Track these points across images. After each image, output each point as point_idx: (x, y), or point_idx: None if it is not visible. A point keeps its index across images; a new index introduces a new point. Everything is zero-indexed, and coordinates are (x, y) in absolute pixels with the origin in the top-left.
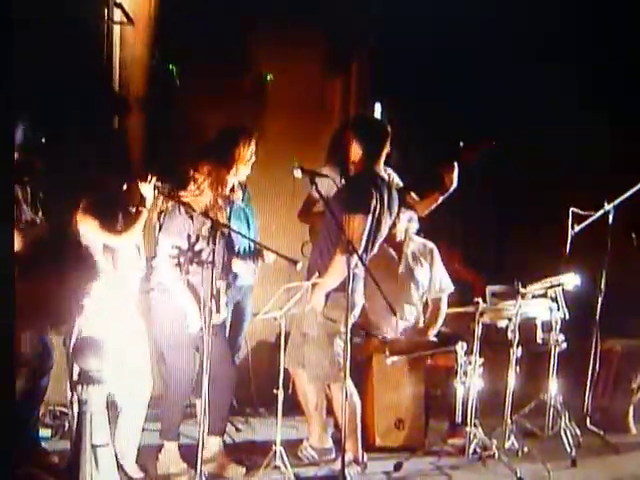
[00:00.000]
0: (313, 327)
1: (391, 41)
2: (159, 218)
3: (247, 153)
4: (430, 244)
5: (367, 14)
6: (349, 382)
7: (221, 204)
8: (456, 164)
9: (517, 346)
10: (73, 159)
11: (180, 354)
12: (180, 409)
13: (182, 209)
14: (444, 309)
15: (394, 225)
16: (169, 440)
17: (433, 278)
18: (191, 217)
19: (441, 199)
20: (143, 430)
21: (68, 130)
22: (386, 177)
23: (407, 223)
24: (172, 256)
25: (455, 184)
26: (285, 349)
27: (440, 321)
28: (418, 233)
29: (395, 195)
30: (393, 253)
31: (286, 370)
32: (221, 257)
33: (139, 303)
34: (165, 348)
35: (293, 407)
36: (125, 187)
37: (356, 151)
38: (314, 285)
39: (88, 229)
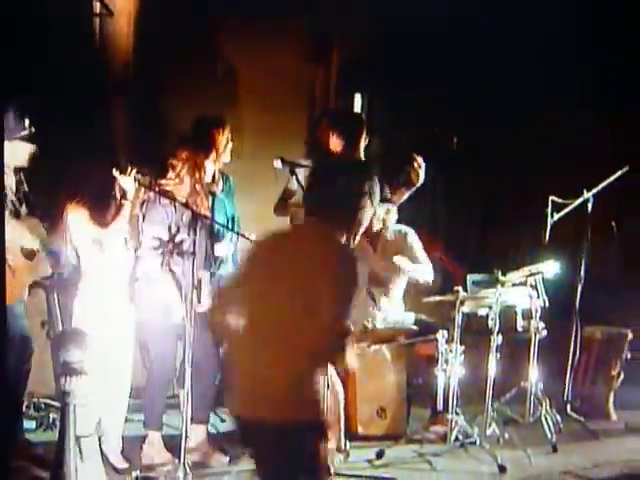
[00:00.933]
0: None
1: (373, 32)
2: (142, 208)
3: (222, 140)
4: (405, 229)
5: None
6: (332, 371)
7: (201, 193)
8: (422, 161)
9: (497, 334)
10: (58, 151)
11: (163, 343)
12: (162, 398)
13: (162, 199)
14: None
15: (372, 216)
16: (152, 429)
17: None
18: (174, 206)
19: (407, 194)
20: (127, 421)
21: (53, 122)
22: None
23: (385, 215)
24: (154, 247)
25: (422, 180)
26: None
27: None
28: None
29: (377, 186)
30: (369, 244)
31: None
32: (203, 247)
33: (126, 293)
34: (149, 337)
35: None
36: (107, 179)
37: (334, 143)
38: None
39: (77, 222)
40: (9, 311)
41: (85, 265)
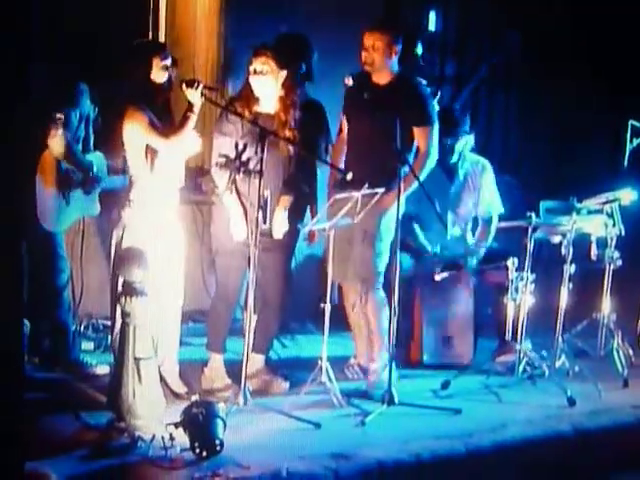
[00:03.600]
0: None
1: None
2: None
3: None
4: (483, 161)
5: None
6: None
7: (277, 112)
8: None
9: (570, 263)
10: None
11: (228, 263)
12: (226, 321)
13: (230, 115)
14: (493, 229)
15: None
16: (214, 352)
17: (482, 198)
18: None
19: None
20: (188, 344)
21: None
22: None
23: (463, 146)
24: (220, 164)
25: None
26: (333, 262)
27: (488, 241)
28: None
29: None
30: (445, 176)
31: (334, 285)
32: (270, 166)
33: (179, 213)
34: (215, 255)
35: (339, 323)
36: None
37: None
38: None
39: (135, 129)
40: (53, 238)
41: (140, 177)
